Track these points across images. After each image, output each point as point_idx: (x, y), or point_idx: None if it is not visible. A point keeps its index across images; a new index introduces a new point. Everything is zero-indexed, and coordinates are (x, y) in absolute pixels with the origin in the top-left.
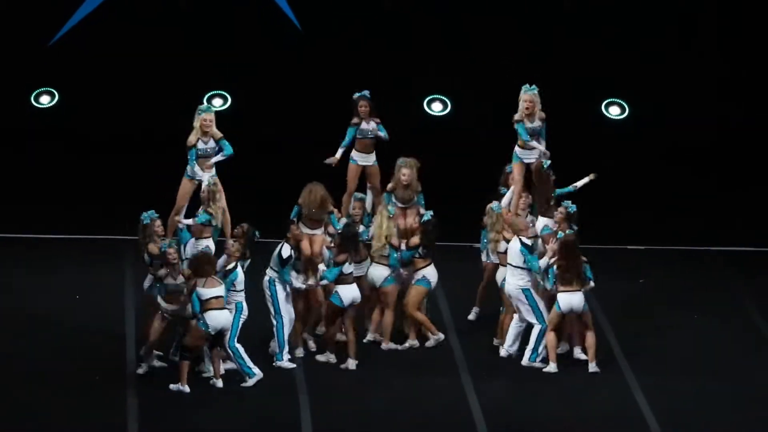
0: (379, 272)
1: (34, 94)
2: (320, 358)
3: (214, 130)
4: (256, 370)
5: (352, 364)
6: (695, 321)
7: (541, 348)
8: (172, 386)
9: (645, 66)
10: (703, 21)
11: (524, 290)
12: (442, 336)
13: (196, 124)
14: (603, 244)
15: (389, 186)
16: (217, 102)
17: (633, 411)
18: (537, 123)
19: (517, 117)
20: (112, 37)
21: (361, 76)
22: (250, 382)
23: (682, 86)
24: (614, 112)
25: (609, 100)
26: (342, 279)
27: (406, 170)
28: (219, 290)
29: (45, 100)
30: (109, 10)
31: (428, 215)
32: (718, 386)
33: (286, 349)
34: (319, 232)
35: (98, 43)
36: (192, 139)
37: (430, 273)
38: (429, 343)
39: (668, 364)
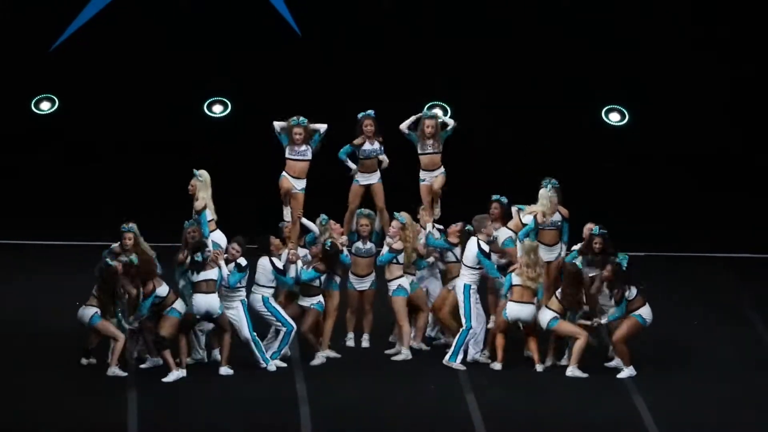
0: (404, 281)
1: (34, 101)
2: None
3: (197, 201)
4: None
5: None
6: (695, 327)
7: (461, 351)
8: (167, 379)
9: (645, 72)
10: (705, 27)
11: (465, 286)
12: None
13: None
14: None
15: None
16: (218, 108)
17: (633, 416)
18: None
19: (540, 219)
20: (113, 43)
21: (360, 78)
22: (272, 366)
23: (682, 93)
24: (614, 118)
25: (609, 106)
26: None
27: (429, 121)
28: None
29: (45, 106)
30: (109, 16)
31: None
32: (719, 391)
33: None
34: None
35: (98, 49)
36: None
37: None
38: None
39: (669, 369)
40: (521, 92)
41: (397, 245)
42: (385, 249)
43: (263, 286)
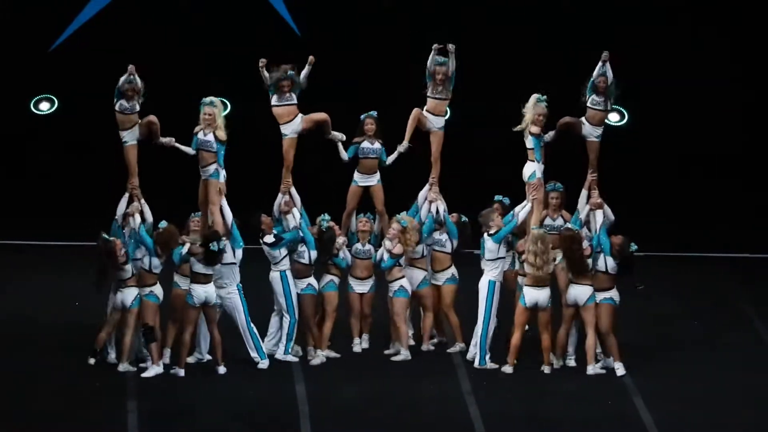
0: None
1: (33, 101)
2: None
3: (219, 131)
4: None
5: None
6: (695, 327)
7: (488, 349)
8: (146, 374)
9: (645, 72)
10: (706, 27)
11: (490, 283)
12: (464, 346)
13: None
14: None
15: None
16: None
17: (632, 415)
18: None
19: (534, 130)
20: (113, 43)
21: (360, 77)
22: (265, 363)
23: (682, 93)
24: (614, 118)
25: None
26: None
27: (439, 68)
28: None
29: (45, 106)
30: (110, 16)
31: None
32: (719, 391)
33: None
34: None
35: (98, 49)
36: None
37: (456, 271)
38: (451, 349)
39: (669, 369)
40: (521, 92)
41: (397, 249)
42: (385, 254)
43: (276, 263)
